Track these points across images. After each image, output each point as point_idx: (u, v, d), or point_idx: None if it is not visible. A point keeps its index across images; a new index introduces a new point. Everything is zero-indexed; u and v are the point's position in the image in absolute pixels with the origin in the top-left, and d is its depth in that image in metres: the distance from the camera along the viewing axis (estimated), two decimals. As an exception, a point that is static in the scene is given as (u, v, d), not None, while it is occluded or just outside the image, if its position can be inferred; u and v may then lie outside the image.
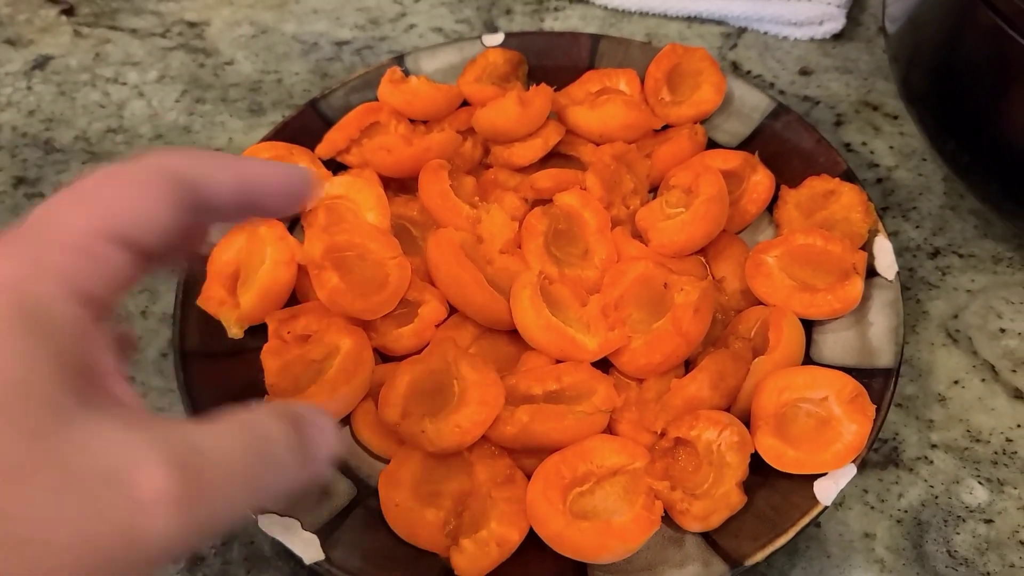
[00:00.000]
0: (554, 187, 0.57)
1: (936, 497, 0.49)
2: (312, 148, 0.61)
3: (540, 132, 0.59)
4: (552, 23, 0.76)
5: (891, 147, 0.65)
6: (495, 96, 0.62)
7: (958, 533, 0.48)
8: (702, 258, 0.55)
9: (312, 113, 0.63)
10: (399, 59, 0.66)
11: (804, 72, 0.70)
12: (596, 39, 0.65)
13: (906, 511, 0.49)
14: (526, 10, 0.77)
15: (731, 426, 0.45)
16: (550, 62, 0.66)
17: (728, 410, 0.48)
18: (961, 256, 0.59)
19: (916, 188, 0.62)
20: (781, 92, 0.69)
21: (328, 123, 0.62)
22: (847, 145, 0.65)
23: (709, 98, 0.61)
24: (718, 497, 0.44)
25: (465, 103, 0.63)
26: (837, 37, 0.72)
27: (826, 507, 0.44)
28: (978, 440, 0.51)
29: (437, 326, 0.52)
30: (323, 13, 0.78)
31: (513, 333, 0.52)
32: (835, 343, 0.51)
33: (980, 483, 0.50)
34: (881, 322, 0.50)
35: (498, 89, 0.62)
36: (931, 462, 0.51)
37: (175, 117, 0.71)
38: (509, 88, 0.63)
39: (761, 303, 0.52)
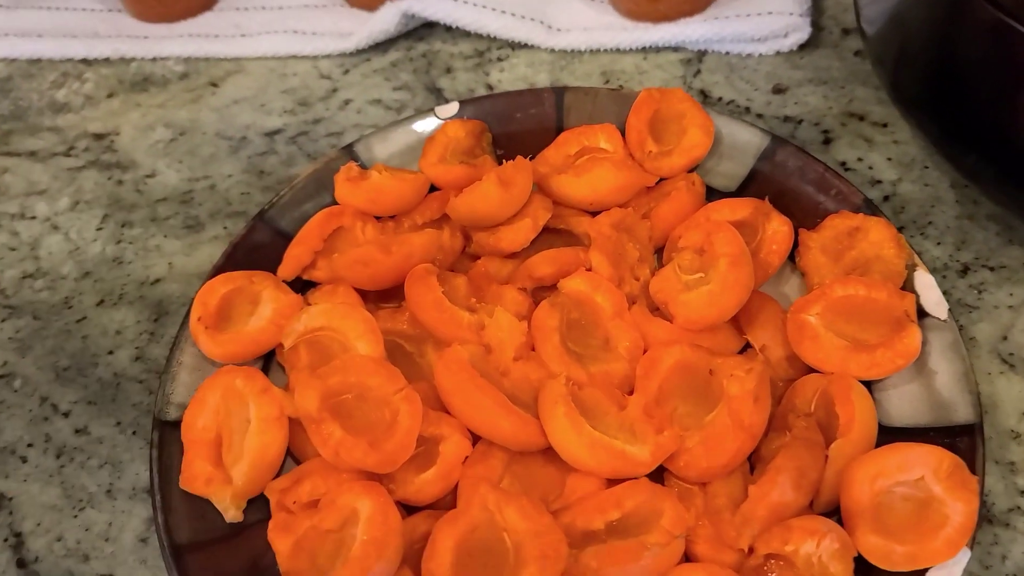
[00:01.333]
0: (556, 272, 0.51)
1: (1040, 550, 0.45)
2: (272, 269, 0.53)
3: (526, 211, 0.53)
4: (499, 75, 0.70)
5: (889, 159, 0.61)
6: (465, 176, 0.55)
7: (1073, 587, 0.44)
8: (733, 327, 0.49)
9: (263, 227, 0.55)
10: (348, 150, 0.59)
11: (778, 90, 0.66)
12: (560, 93, 0.60)
13: (1015, 574, 0.45)
14: (467, 65, 0.71)
15: (830, 533, 0.39)
16: (514, 126, 0.60)
17: (811, 506, 0.42)
18: (992, 269, 0.55)
19: (926, 200, 0.58)
20: (759, 116, 0.64)
21: (283, 236, 0.55)
22: (843, 164, 0.61)
23: (699, 142, 0.55)
24: (830, 616, 0.38)
25: (432, 187, 0.57)
26: (802, 46, 0.68)
27: (950, 604, 0.39)
28: (1064, 475, 0.47)
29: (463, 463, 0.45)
30: (244, 102, 0.70)
31: (548, 451, 0.46)
32: (900, 401, 0.46)
33: (1080, 525, 0.46)
34: (946, 369, 0.46)
35: (467, 167, 0.56)
36: None
37: (101, 248, 0.63)
38: (477, 163, 0.57)
39: (813, 370, 0.47)
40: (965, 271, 0.55)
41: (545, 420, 0.44)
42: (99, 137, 0.70)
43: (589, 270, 0.51)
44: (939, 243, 0.56)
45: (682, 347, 0.46)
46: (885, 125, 0.63)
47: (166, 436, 0.47)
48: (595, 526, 0.42)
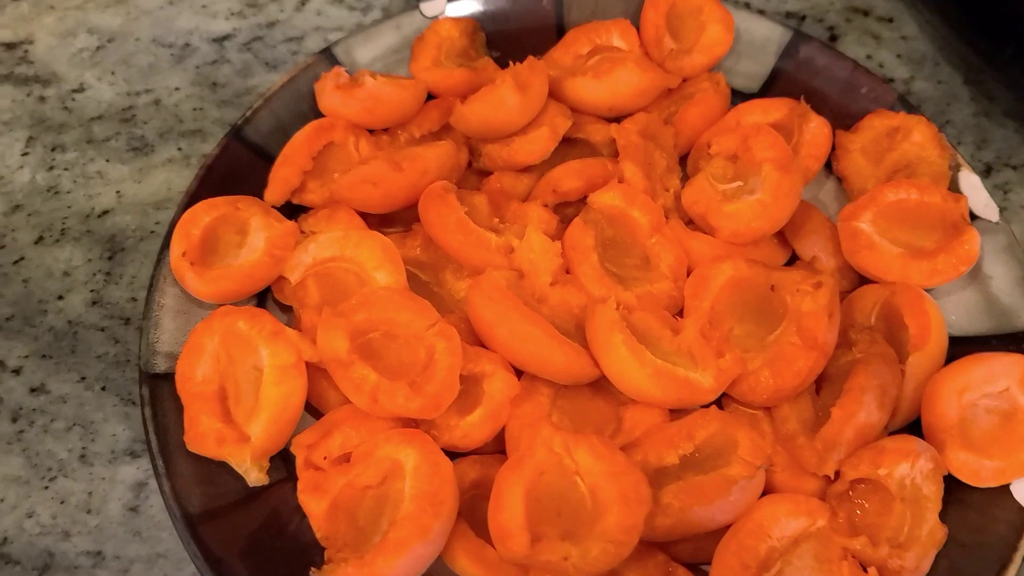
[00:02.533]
0: (584, 186, 0.46)
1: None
2: (254, 193, 0.46)
3: (542, 119, 0.48)
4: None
5: (898, 56, 0.58)
6: (467, 81, 0.49)
7: None
8: (778, 238, 0.46)
9: (238, 145, 0.48)
10: (326, 54, 0.51)
11: (777, -17, 0.61)
12: (559, -13, 0.54)
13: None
14: (436, -42, 0.63)
15: (924, 453, 0.37)
16: (510, 24, 0.54)
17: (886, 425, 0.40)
18: (1015, 168, 0.53)
19: (941, 99, 0.56)
20: (761, 11, 0.60)
21: (263, 154, 0.48)
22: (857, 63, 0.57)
23: (720, 39, 0.51)
24: (924, 539, 0.37)
25: (429, 95, 0.50)
26: (798, -64, 0.63)
27: (1040, 515, 0.38)
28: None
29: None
30: (182, 3, 0.61)
31: (594, 382, 0.42)
32: (957, 308, 0.44)
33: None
34: (1002, 273, 0.44)
35: (468, 71, 0.50)
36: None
37: (30, 176, 0.54)
38: (478, 67, 0.51)
39: (867, 280, 0.44)
40: (988, 171, 0.53)
41: (600, 350, 0.40)
42: (10, 47, 0.59)
43: (620, 182, 0.46)
44: (959, 143, 0.54)
45: (735, 262, 0.43)
46: (891, 20, 0.60)
47: (158, 391, 0.41)
48: (668, 461, 0.38)
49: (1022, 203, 0.52)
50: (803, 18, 0.60)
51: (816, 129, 0.48)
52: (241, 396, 0.40)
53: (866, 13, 0.60)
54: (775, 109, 0.49)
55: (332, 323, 0.39)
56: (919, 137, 0.47)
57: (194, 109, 0.56)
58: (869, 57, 0.58)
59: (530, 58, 0.47)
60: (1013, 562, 0.36)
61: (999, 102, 0.55)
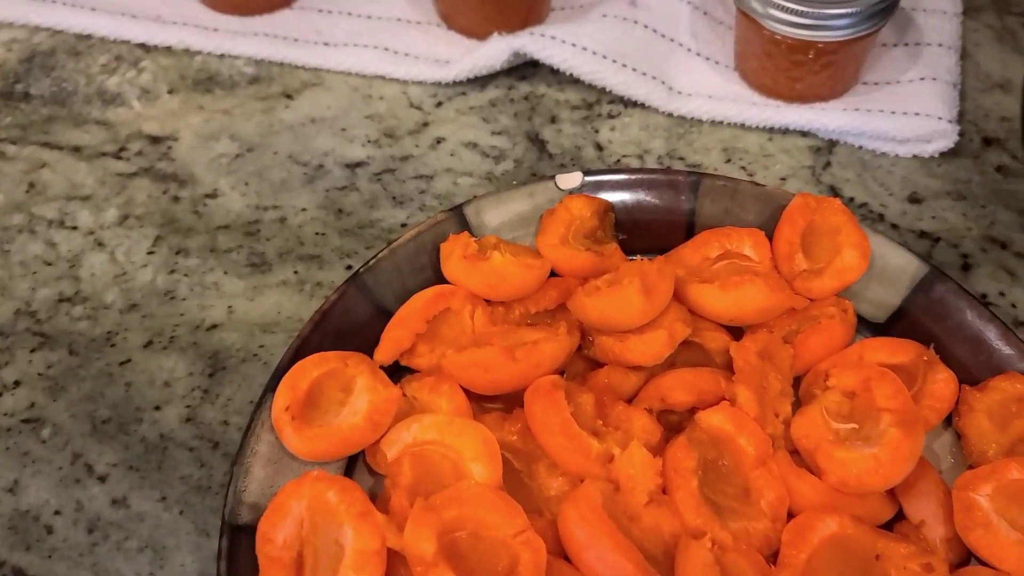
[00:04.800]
0: (693, 401, 0.45)
1: None
2: (363, 344, 0.47)
3: (662, 321, 0.47)
4: (609, 134, 0.63)
5: (1033, 298, 0.56)
6: (592, 266, 0.49)
7: None
8: (887, 493, 0.44)
9: (356, 294, 0.48)
10: (457, 212, 0.52)
11: (914, 199, 0.60)
12: (696, 179, 0.53)
13: None
14: (574, 117, 0.64)
15: None
16: (642, 212, 0.53)
17: None
18: None
19: (1076, 353, 0.53)
20: (894, 226, 0.59)
21: (380, 307, 0.48)
22: (984, 297, 0.56)
23: (854, 264, 0.50)
24: None
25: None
26: (942, 153, 0.62)
27: None
28: None
29: (587, 629, 0.39)
30: (323, 123, 0.63)
31: (675, 619, 0.40)
32: (1071, 608, 0.41)
33: None
34: None
35: (594, 256, 0.50)
36: None
37: (151, 277, 0.55)
38: (605, 252, 0.50)
39: (976, 559, 0.42)
40: (1117, 444, 0.50)
41: (688, 592, 0.38)
42: (155, 140, 0.62)
43: (731, 403, 0.45)
44: (1088, 406, 0.52)
45: (842, 519, 0.41)
46: (1029, 257, 0.58)
47: (236, 544, 0.40)
48: None
49: None
50: (937, 240, 0.58)
51: (942, 382, 0.46)
52: (319, 570, 0.39)
53: (1004, 246, 0.58)
54: (901, 352, 0.47)
55: (423, 519, 0.38)
56: (1052, 408, 0.45)
57: (316, 233, 0.57)
58: (1002, 295, 0.56)
59: (660, 260, 0.47)
60: None
61: None
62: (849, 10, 0.57)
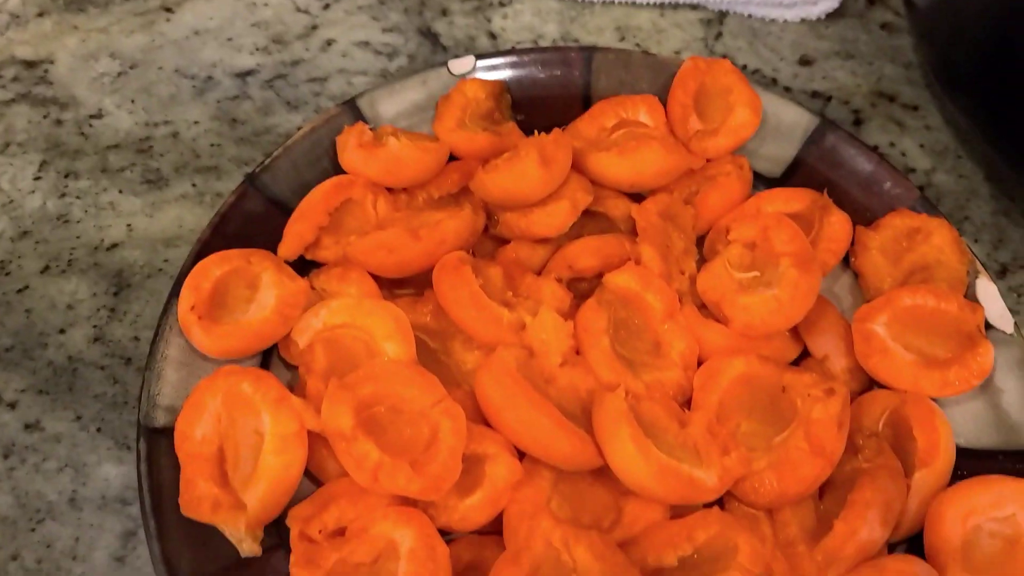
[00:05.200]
0: (599, 265, 0.46)
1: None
2: (265, 243, 0.46)
3: (563, 191, 0.47)
4: (502, 22, 0.62)
5: (921, 145, 0.58)
6: (491, 146, 0.49)
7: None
8: (791, 333, 0.46)
9: (255, 193, 0.48)
10: (350, 105, 0.51)
11: (805, 61, 0.61)
12: (588, 53, 0.53)
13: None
14: (465, 8, 0.63)
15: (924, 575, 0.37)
16: (537, 89, 0.53)
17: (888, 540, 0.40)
18: (1033, 273, 0.53)
19: (962, 193, 0.56)
20: (787, 89, 0.60)
21: (278, 205, 0.48)
22: (875, 148, 0.57)
23: (747, 121, 0.50)
24: (919, 663, 0.36)
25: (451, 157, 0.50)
26: (829, 15, 0.63)
27: (1035, 645, 0.37)
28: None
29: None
30: (208, 34, 0.61)
31: (596, 470, 0.41)
32: (964, 419, 0.43)
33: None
34: (1013, 387, 0.43)
35: (492, 136, 0.49)
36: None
37: (40, 202, 0.53)
38: (502, 132, 0.50)
39: (878, 384, 0.44)
40: (1004, 272, 0.53)
41: (605, 440, 0.39)
42: (30, 65, 0.59)
43: (637, 263, 0.46)
44: (976, 240, 0.54)
45: (747, 358, 0.42)
46: (916, 108, 0.59)
47: (155, 446, 0.40)
48: (667, 563, 0.38)
49: (1035, 309, 0.52)
50: (829, 99, 0.60)
51: (837, 224, 0.48)
52: (240, 460, 0.39)
53: (892, 99, 0.60)
54: (796, 200, 0.48)
55: (338, 396, 0.38)
56: (939, 240, 0.47)
57: (212, 145, 0.56)
58: (892, 145, 0.58)
59: (556, 131, 0.47)
60: None
61: (1020, 201, 0.55)
62: None
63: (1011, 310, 0.50)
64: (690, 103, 0.51)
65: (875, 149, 0.57)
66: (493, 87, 0.52)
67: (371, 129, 0.49)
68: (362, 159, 0.47)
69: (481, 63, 0.53)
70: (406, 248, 0.43)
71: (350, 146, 0.47)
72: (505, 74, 0.53)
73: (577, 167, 0.49)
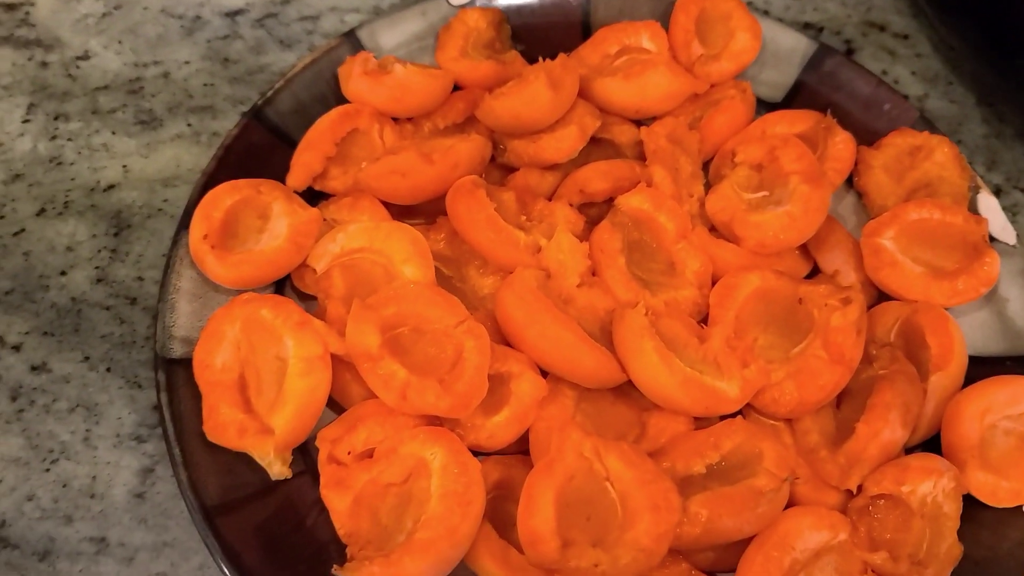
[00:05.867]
0: (611, 188, 0.46)
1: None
2: (272, 176, 0.45)
3: (571, 117, 0.47)
4: (493, -41, 0.62)
5: (913, 72, 0.59)
6: (495, 74, 0.49)
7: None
8: (801, 250, 0.46)
9: (257, 126, 0.47)
10: (350, 36, 0.50)
11: (796, -7, 0.62)
12: (587, -16, 0.53)
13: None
14: (456, -56, 0.62)
15: (947, 472, 0.38)
16: (535, 18, 0.53)
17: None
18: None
19: (954, 118, 0.57)
20: (780, 20, 0.60)
21: (283, 137, 0.47)
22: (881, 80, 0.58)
23: (748, 46, 0.51)
24: (942, 556, 0.37)
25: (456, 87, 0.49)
26: (818, -53, 0.63)
27: (1049, 536, 0.38)
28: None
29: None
30: (194, -28, 0.59)
31: (618, 387, 0.41)
32: (972, 328, 0.45)
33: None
34: (1018, 296, 0.45)
35: (496, 64, 0.49)
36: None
37: (31, 145, 0.52)
38: (506, 60, 0.50)
39: (886, 296, 0.45)
40: (998, 192, 0.54)
41: (629, 355, 0.40)
42: (10, 8, 0.57)
43: (648, 186, 0.46)
44: (970, 162, 0.55)
45: (763, 273, 0.43)
46: (906, 37, 0.60)
47: (174, 377, 0.40)
48: (696, 470, 0.38)
49: (1029, 226, 0.53)
50: (821, 30, 0.60)
51: (841, 144, 0.48)
52: (263, 386, 0.39)
53: (882, 28, 0.60)
54: (800, 121, 0.49)
55: (362, 316, 0.38)
56: (941, 157, 0.48)
57: (204, 85, 0.55)
58: (885, 73, 0.58)
59: (562, 56, 0.47)
60: (1024, 579, 0.37)
61: (1010, 124, 0.56)
62: None
63: (1007, 228, 0.51)
64: (692, 28, 0.51)
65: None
66: (493, 16, 0.51)
67: (374, 59, 0.48)
68: (368, 87, 0.46)
69: (477, -6, 0.52)
70: (419, 172, 0.43)
71: (355, 75, 0.46)
72: (503, 2, 0.52)
73: (582, 94, 0.48)
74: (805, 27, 0.60)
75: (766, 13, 0.61)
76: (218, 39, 0.57)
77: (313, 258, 0.42)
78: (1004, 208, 0.52)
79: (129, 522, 0.42)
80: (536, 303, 0.39)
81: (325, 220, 0.44)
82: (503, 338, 0.41)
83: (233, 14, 0.58)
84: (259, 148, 0.46)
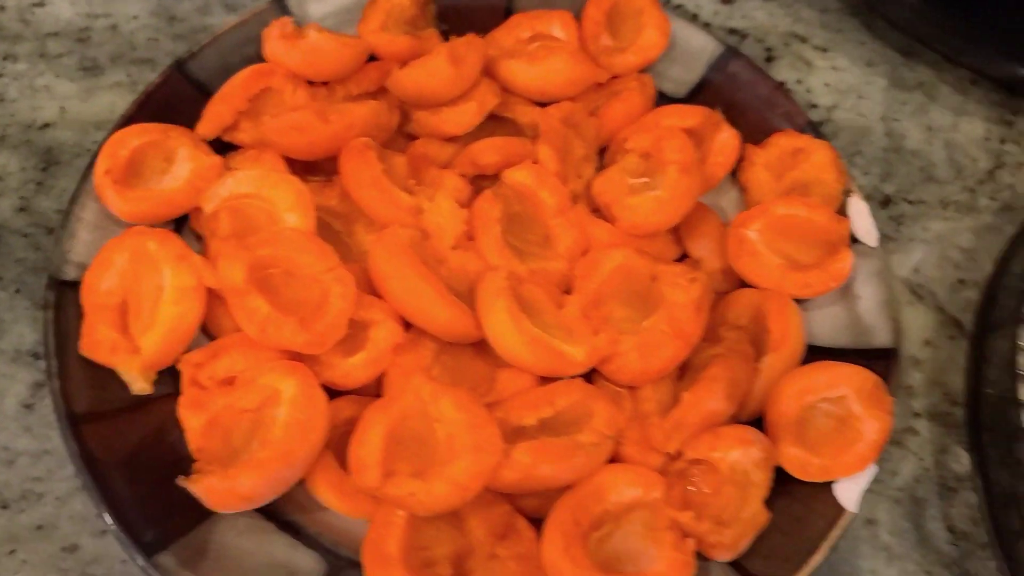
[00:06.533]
0: (500, 161, 0.49)
1: (927, 470, 0.48)
2: (189, 126, 0.49)
3: (473, 93, 0.50)
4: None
5: (826, 84, 0.61)
6: (410, 49, 0.52)
7: (953, 507, 0.47)
8: (672, 236, 0.49)
9: (180, 78, 0.50)
10: (279, 3, 0.53)
11: (727, 0, 0.64)
12: (513, -28, 0.56)
13: (902, 489, 0.47)
14: (407, -72, 0.65)
15: (756, 443, 0.40)
16: (462, 1, 0.56)
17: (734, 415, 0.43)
18: (911, 203, 0.57)
19: (858, 131, 0.59)
20: (707, 24, 0.63)
21: (204, 91, 0.50)
22: (783, 83, 0.61)
23: (655, 42, 0.53)
24: (746, 520, 0.40)
25: (372, 57, 0.53)
26: (754, -42, 0.66)
27: (854, 514, 0.41)
28: (956, 403, 0.50)
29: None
30: (153, -66, 0.63)
31: (478, 343, 0.44)
32: (824, 321, 0.47)
33: (965, 449, 0.49)
34: (870, 295, 0.47)
35: (412, 39, 0.52)
36: (917, 432, 0.49)
37: (-22, 81, 0.55)
38: (423, 36, 0.53)
39: (747, 284, 0.47)
40: (887, 202, 0.57)
41: (484, 313, 0.43)
42: (-23, -48, 0.61)
43: (535, 163, 0.49)
44: (866, 173, 0.58)
45: (625, 251, 0.46)
46: (825, 50, 0.63)
47: (64, 297, 0.43)
48: (527, 422, 0.41)
49: (911, 236, 0.55)
50: (745, 36, 0.63)
51: (726, 139, 0.51)
52: (141, 312, 0.42)
53: (804, 40, 0.63)
54: (692, 115, 0.52)
55: (234, 254, 0.41)
56: (819, 160, 0.50)
57: (149, 39, 0.58)
58: (799, 81, 0.61)
59: (469, 36, 0.50)
60: (820, 550, 0.40)
61: (909, 139, 0.59)
62: None
63: (890, 236, 0.54)
64: (602, 20, 0.54)
65: (783, 84, 0.61)
66: (417, -5, 0.54)
67: (297, 25, 0.52)
68: (283, 49, 0.49)
69: (408, -27, 0.55)
70: (315, 129, 0.46)
71: (272, 37, 0.50)
72: (434, -14, 0.56)
73: (490, 73, 0.52)
74: (731, 32, 0.63)
75: (695, 17, 0.63)
76: (168, -2, 0.60)
77: (204, 199, 0.45)
78: (891, 217, 0.55)
79: (16, 429, 0.45)
80: (401, 256, 0.42)
81: (229, 169, 0.48)
82: (376, 291, 0.45)
83: (185, -25, 0.61)
84: (179, 98, 0.50)
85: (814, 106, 0.60)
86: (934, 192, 0.57)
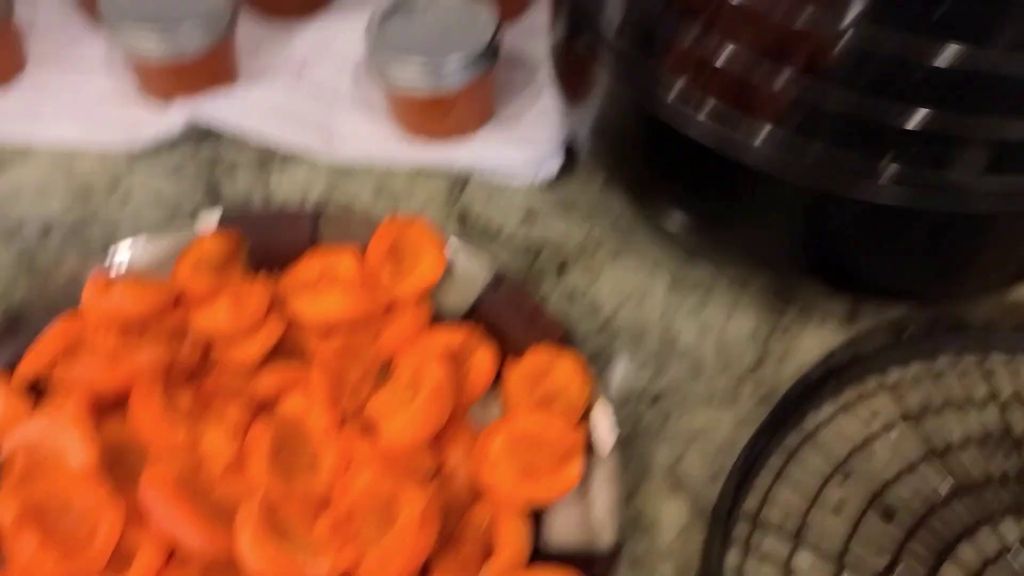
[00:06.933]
0: (278, 389, 0.56)
1: (672, 659, 0.52)
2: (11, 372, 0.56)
3: (260, 329, 0.58)
4: (279, 178, 0.74)
5: (614, 288, 0.68)
6: (210, 288, 0.60)
7: None
8: (431, 448, 0.55)
9: (7, 323, 0.58)
10: (106, 254, 0.62)
11: (529, 215, 0.73)
12: (315, 217, 0.65)
13: None
14: (251, 168, 0.75)
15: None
16: (272, 242, 0.64)
17: (462, 622, 0.48)
18: (679, 398, 0.62)
19: (637, 330, 0.66)
20: (511, 237, 0.71)
21: (31, 339, 0.58)
22: (571, 292, 0.68)
23: (430, 272, 0.61)
24: None
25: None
26: (560, 173, 0.75)
27: None
28: (706, 590, 0.54)
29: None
30: (28, 189, 0.73)
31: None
32: (562, 522, 0.52)
33: (710, 636, 0.53)
34: (601, 499, 0.52)
35: (212, 280, 0.60)
36: (666, 621, 0.53)
37: None
38: (227, 276, 0.61)
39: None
40: (656, 399, 0.62)
41: (236, 536, 0.48)
42: None
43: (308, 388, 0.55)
44: (643, 366, 0.64)
45: (372, 470, 0.52)
46: (617, 254, 0.70)
47: None
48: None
49: (678, 430, 0.61)
50: (541, 249, 0.71)
51: (483, 355, 0.58)
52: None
53: (599, 245, 0.71)
54: (456, 335, 0.59)
55: (8, 494, 0.47)
56: (566, 369, 0.57)
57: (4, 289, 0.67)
58: (588, 290, 0.68)
59: (258, 279, 0.58)
60: None
61: (680, 343, 0.65)
62: (451, 63, 0.69)
63: (657, 431, 0.60)
64: (384, 254, 0.62)
65: (575, 291, 0.68)
66: (227, 239, 0.63)
67: (118, 274, 0.60)
68: (94, 300, 0.57)
69: (226, 216, 0.64)
70: (103, 377, 0.53)
71: (88, 287, 0.58)
72: (246, 229, 0.64)
73: (281, 308, 0.59)
74: (528, 248, 0.71)
75: (500, 231, 0.71)
76: (29, 248, 0.69)
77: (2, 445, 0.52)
78: (661, 413, 0.61)
79: None
80: (161, 487, 0.49)
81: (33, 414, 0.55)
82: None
83: (48, 226, 0.70)
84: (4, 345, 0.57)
85: (599, 308, 0.67)
86: (701, 392, 0.63)
